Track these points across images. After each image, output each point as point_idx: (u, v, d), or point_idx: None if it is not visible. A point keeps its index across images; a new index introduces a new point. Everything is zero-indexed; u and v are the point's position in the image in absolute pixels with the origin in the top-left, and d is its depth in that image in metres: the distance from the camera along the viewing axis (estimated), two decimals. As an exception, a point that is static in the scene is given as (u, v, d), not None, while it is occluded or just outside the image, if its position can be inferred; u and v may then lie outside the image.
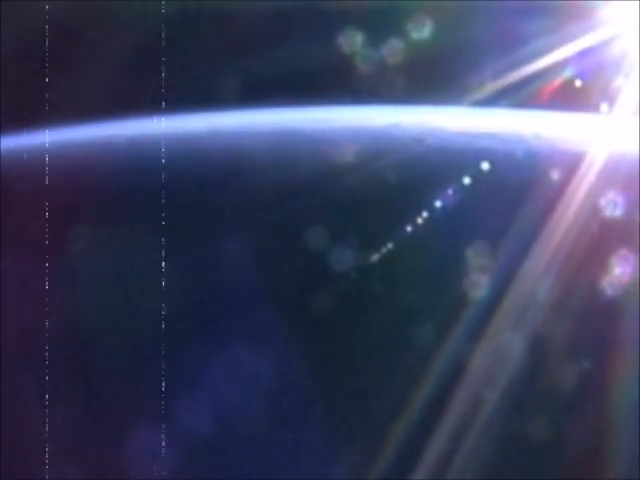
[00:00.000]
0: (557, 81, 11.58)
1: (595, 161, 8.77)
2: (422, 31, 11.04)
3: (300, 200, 7.92)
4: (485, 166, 8.04)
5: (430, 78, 11.34)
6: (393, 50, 10.92)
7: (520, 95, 11.14)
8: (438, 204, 7.69)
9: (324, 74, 10.98)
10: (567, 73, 11.02)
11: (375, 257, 7.32)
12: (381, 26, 11.08)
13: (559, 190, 7.77)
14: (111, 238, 7.59)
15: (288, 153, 8.83)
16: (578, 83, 10.94)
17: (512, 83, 11.56)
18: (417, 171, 8.14)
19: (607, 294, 6.97)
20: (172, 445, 6.21)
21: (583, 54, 11.32)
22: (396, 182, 8.12)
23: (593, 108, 10.18)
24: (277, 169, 8.41)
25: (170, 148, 9.48)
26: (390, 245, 7.41)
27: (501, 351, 6.60)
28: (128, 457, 6.19)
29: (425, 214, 7.64)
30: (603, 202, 7.82)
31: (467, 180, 7.99)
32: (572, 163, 8.06)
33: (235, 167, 8.77)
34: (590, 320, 6.86)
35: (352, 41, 10.99)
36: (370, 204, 7.93)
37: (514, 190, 7.62)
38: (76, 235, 7.53)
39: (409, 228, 7.56)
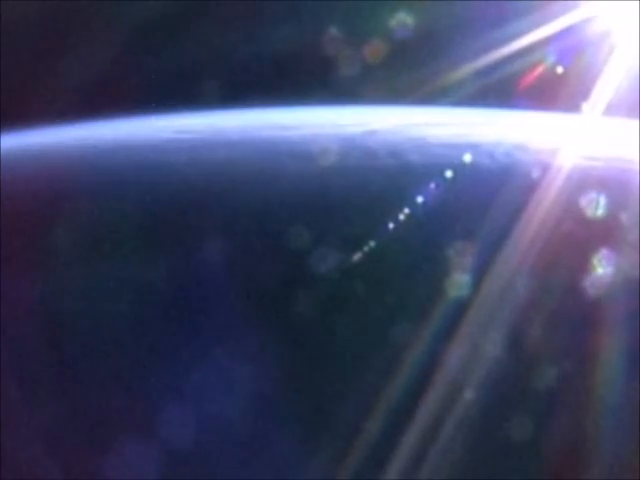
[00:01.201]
0: (538, 70, 11.97)
1: (569, 164, 9.07)
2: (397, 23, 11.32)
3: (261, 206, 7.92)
4: (460, 179, 8.08)
5: (408, 76, 11.70)
6: (372, 49, 11.16)
7: (499, 93, 11.47)
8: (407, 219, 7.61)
9: (302, 74, 11.30)
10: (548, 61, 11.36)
11: (344, 265, 7.26)
12: (359, 24, 11.44)
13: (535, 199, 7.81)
14: (83, 242, 7.51)
15: (256, 161, 8.76)
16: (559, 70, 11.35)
17: (493, 81, 11.85)
18: (387, 186, 8.08)
19: (582, 296, 7.00)
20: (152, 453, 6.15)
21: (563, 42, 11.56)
22: (365, 195, 8.09)
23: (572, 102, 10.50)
24: (245, 174, 8.41)
25: (144, 149, 9.43)
26: (359, 254, 7.36)
27: (483, 351, 6.62)
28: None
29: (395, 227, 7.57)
30: (580, 205, 7.85)
31: (438, 197, 7.94)
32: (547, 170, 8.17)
33: (207, 170, 8.70)
34: (562, 324, 6.88)
35: (331, 40, 11.32)
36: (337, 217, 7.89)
37: (488, 201, 7.59)
38: (47, 239, 7.50)
39: (378, 239, 7.49)
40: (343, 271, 7.33)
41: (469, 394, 6.33)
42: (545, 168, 8.02)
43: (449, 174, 7.86)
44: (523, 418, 6.30)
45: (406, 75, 11.12)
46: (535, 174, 7.92)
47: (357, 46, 10.92)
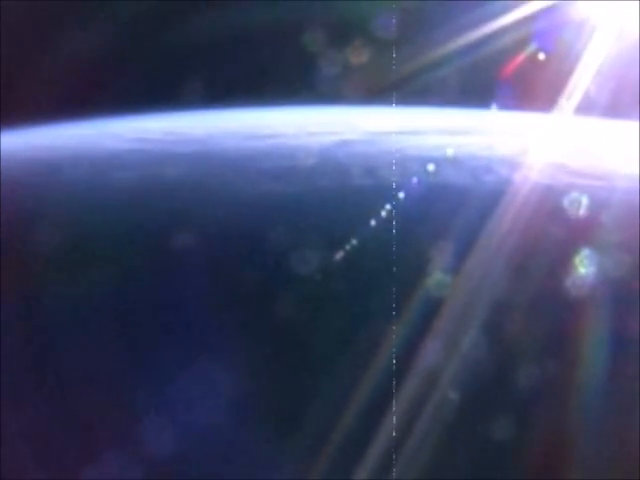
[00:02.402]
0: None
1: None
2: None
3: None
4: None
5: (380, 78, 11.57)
6: (353, 48, 11.05)
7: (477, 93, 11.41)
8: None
9: (284, 74, 11.15)
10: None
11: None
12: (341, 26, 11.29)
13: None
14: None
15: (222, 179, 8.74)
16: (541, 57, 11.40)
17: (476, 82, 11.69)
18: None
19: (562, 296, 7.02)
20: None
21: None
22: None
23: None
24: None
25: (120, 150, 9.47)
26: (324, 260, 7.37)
27: (461, 350, 6.61)
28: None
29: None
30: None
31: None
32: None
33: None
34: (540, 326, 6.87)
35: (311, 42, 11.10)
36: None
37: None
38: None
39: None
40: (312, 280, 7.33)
41: (448, 391, 6.35)
42: (522, 178, 8.16)
43: (422, 196, 7.86)
44: (502, 416, 6.26)
45: (385, 73, 10.79)
46: (511, 189, 7.92)
47: (338, 45, 10.84)
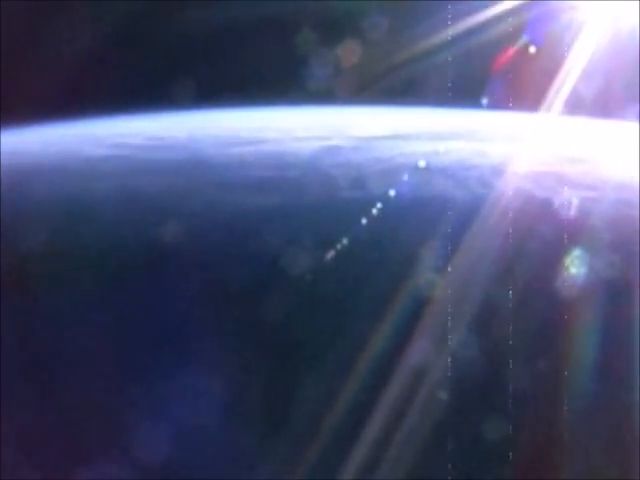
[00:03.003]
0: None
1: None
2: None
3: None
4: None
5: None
6: (343, 49, 10.90)
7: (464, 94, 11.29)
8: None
9: (273, 74, 10.96)
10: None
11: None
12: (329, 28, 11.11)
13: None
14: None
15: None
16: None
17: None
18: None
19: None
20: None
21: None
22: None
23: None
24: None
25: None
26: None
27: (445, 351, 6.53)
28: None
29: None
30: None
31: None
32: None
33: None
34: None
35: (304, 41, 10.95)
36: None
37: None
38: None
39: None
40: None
41: (436, 391, 6.31)
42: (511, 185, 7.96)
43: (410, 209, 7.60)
44: (485, 421, 6.25)
45: (374, 72, 10.99)
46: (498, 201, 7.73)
47: (328, 46, 10.74)
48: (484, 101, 10.90)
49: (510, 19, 11.09)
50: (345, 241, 7.20)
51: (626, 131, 10.76)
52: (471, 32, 10.67)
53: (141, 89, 10.93)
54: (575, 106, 10.36)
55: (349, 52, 10.82)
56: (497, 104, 10.95)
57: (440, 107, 10.76)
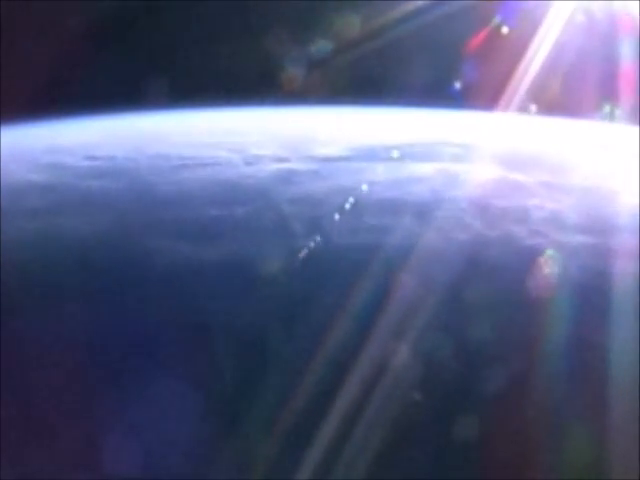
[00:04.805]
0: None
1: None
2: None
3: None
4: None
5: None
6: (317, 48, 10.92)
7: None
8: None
9: (247, 74, 10.93)
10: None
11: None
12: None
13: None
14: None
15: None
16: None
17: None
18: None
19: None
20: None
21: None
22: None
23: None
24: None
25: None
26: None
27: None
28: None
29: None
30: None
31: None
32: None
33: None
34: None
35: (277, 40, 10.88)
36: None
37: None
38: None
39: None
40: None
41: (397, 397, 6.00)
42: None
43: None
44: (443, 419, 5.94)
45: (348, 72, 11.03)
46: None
47: (302, 45, 10.76)
48: (457, 101, 11.07)
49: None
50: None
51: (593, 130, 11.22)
52: (447, 32, 10.92)
53: (117, 89, 10.97)
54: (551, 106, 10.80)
55: (319, 50, 10.88)
56: (468, 104, 11.13)
57: (412, 106, 10.73)
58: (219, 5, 10.90)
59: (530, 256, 7.07)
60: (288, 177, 8.05)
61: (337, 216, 7.11)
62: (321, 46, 10.64)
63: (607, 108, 11.46)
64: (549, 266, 6.99)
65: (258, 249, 6.71)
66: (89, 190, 7.74)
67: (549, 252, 7.14)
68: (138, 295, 6.58)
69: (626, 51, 11.21)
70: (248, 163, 8.42)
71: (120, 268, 6.66)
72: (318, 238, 6.81)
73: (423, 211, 7.43)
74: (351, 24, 10.61)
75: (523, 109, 10.76)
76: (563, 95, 11.38)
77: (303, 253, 6.63)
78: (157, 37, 11.01)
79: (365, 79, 10.89)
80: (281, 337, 6.35)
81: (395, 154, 8.96)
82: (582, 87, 11.39)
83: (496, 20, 11.41)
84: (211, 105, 10.35)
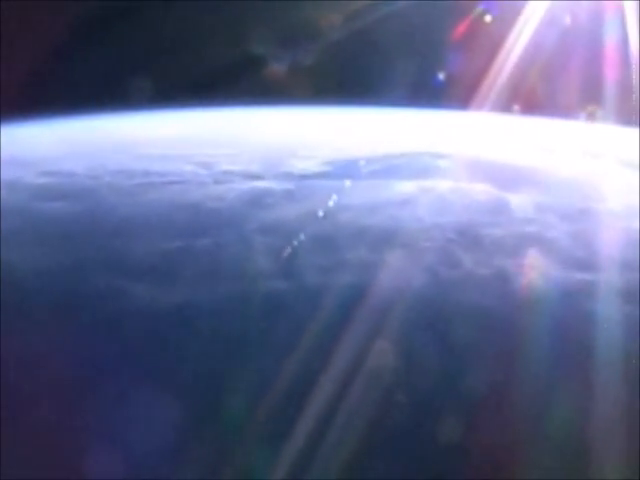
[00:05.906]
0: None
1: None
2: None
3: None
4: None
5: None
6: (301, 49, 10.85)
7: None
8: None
9: (230, 73, 10.75)
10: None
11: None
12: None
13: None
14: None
15: None
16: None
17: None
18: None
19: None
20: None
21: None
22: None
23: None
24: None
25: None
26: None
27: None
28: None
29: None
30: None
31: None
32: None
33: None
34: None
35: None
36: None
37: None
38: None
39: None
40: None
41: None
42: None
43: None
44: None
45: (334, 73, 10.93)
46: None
47: (285, 45, 10.67)
48: (441, 101, 10.96)
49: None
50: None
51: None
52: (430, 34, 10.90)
53: (98, 89, 10.95)
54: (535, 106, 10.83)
55: (303, 52, 10.78)
56: (454, 104, 10.94)
57: (396, 107, 10.60)
58: (201, 6, 10.79)
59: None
60: (259, 199, 7.43)
61: (306, 251, 6.59)
62: (304, 45, 10.59)
63: (589, 108, 11.33)
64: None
65: (216, 293, 6.14)
66: (42, 214, 7.13)
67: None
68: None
69: (611, 42, 11.05)
70: (217, 181, 7.81)
71: (61, 306, 6.12)
72: (283, 282, 6.31)
73: (399, 242, 6.92)
74: (333, 23, 10.49)
75: (506, 109, 10.79)
76: (545, 90, 11.49)
77: (266, 295, 6.10)
78: (140, 38, 10.91)
79: (348, 76, 10.85)
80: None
81: (376, 168, 8.44)
82: (565, 84, 11.44)
83: (479, 9, 11.42)
84: (193, 105, 10.16)
